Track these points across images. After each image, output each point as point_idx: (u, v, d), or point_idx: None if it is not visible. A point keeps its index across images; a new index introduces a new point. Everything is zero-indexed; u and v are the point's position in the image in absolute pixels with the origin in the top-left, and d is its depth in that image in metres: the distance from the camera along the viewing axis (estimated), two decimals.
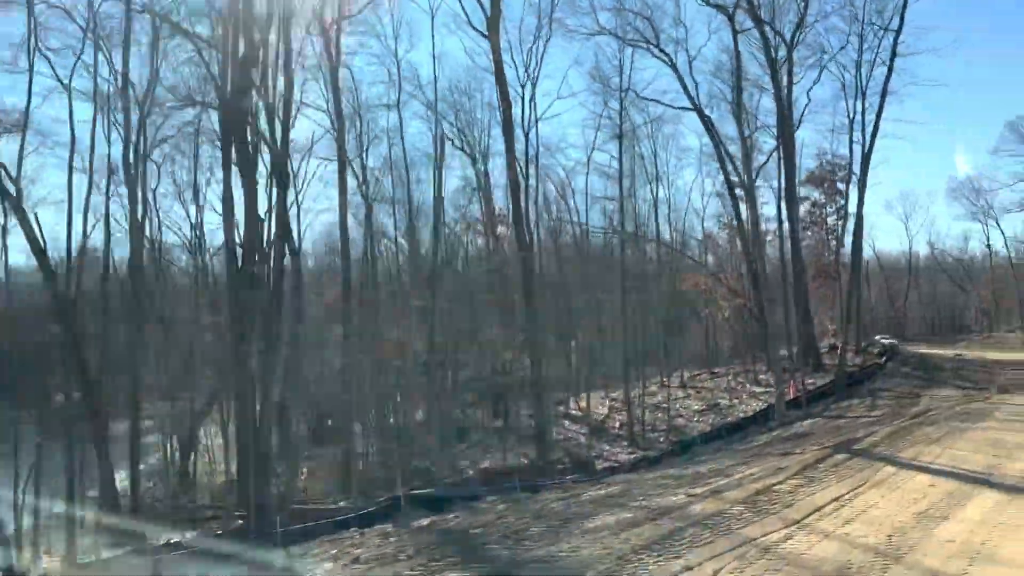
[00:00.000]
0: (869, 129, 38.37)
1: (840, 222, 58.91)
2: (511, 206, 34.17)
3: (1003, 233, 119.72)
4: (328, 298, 43.74)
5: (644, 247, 54.61)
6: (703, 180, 51.03)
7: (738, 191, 49.18)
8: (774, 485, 10.98)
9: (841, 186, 49.09)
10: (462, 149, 39.77)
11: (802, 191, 60.51)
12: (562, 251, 52.51)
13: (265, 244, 24.38)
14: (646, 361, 52.04)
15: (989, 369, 36.15)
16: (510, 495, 16.30)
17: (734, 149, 38.95)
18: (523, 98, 34.82)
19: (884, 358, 34.73)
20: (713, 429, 32.05)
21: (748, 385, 39.44)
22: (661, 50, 35.74)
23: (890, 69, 33.62)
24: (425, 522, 12.96)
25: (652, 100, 35.11)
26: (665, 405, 41.44)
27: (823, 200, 53.44)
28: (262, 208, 23.84)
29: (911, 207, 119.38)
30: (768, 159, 41.23)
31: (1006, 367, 37.77)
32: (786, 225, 39.87)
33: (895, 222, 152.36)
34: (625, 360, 41.00)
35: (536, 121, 36.22)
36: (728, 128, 37.58)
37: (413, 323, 38.84)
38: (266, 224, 24.61)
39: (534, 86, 35.71)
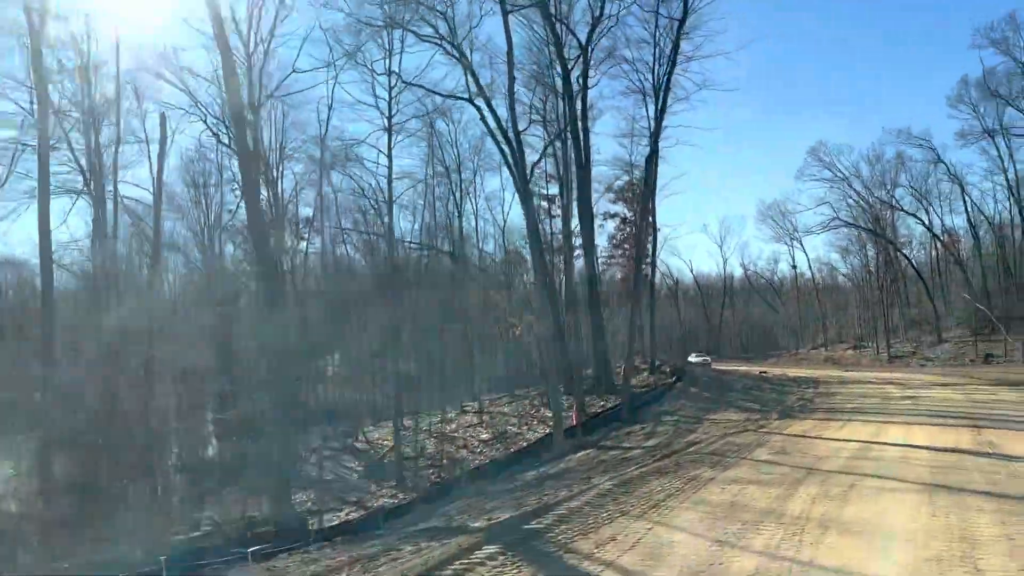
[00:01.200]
0: (663, 135, 35.75)
1: (654, 242, 57.69)
2: (247, 210, 28.04)
3: (807, 255, 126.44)
4: None
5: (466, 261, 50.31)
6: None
7: (542, 200, 46.16)
8: None
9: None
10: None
11: (613, 208, 58.85)
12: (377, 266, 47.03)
13: None
14: (451, 384, 47.55)
15: (783, 388, 33.99)
16: None
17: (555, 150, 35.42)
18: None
19: (675, 378, 31.54)
20: (490, 462, 27.37)
21: (542, 410, 35.32)
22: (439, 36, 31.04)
23: (672, 62, 30.72)
24: None
25: (416, 85, 30.05)
26: (456, 434, 36.74)
27: (633, 217, 51.23)
28: None
29: (726, 230, 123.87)
30: (562, 163, 37.76)
31: (802, 385, 35.91)
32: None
33: (712, 244, 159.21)
34: (397, 383, 35.99)
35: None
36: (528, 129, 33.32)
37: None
38: None
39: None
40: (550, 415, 33.89)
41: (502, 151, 27.82)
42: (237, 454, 33.12)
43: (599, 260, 58.28)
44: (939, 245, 68.97)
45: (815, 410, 23.21)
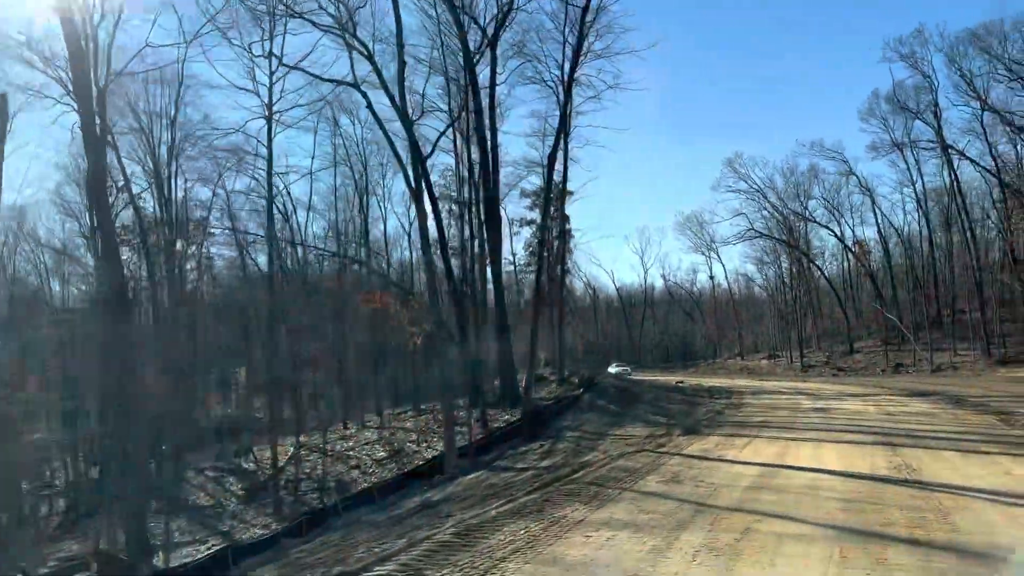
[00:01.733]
0: (573, 135, 33.85)
1: (563, 245, 55.96)
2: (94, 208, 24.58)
3: (724, 266, 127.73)
4: None
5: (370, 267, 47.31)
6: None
7: (454, 203, 43.70)
8: None
9: (569, 209, 44.88)
10: None
11: (529, 215, 56.86)
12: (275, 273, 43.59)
13: None
14: (355, 398, 44.49)
15: (695, 399, 32.35)
16: None
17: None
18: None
19: (582, 389, 29.42)
20: (378, 485, 24.60)
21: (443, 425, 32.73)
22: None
23: (577, 52, 28.78)
24: None
25: (298, 69, 27.13)
26: (352, 452, 33.85)
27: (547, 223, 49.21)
28: None
29: (646, 241, 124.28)
30: (463, 160, 35.42)
31: (715, 395, 34.32)
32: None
33: (633, 255, 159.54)
34: (295, 398, 32.93)
35: None
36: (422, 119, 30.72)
37: None
38: None
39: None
40: (464, 429, 31.43)
41: (390, 142, 25.17)
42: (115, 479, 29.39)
43: (517, 268, 56.67)
44: (850, 256, 69.68)
45: (722, 424, 21.33)
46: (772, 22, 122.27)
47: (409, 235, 50.81)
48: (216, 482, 35.69)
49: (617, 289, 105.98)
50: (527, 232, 52.76)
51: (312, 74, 26.85)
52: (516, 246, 57.68)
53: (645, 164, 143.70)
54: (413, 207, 43.71)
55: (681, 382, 46.49)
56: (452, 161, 39.48)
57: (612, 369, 70.49)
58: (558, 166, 36.17)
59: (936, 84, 52.75)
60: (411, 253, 46.33)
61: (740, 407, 27.42)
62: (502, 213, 42.82)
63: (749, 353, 77.67)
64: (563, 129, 31.05)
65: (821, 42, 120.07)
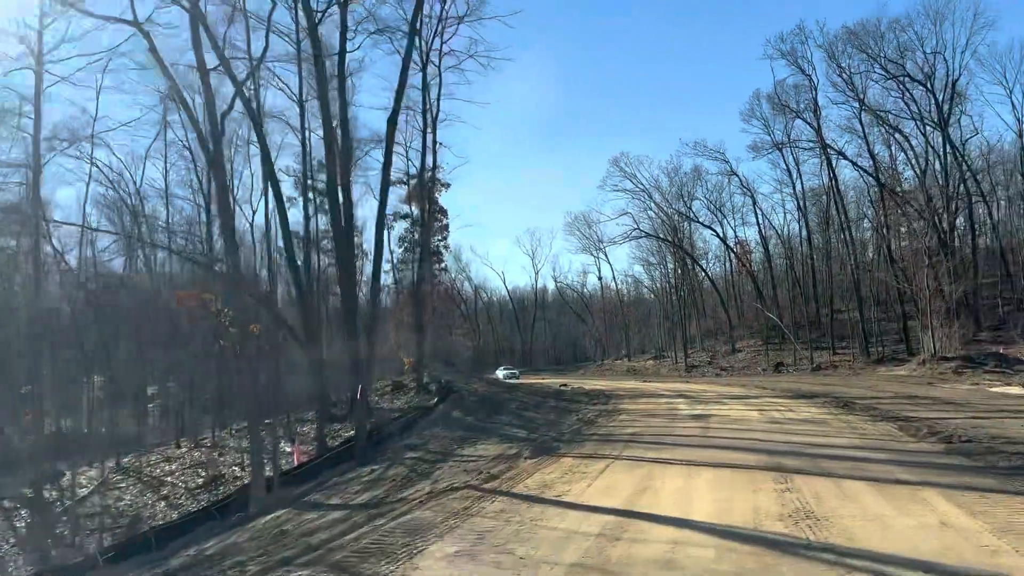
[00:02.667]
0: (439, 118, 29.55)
1: (443, 243, 51.48)
2: None
3: (611, 267, 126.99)
4: None
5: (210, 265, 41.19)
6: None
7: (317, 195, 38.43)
8: None
9: (444, 202, 40.55)
10: None
11: (404, 208, 52.06)
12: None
13: None
14: (194, 413, 38.58)
15: (571, 404, 28.67)
16: None
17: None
18: None
19: (436, 399, 25.02)
20: (159, 527, 19.30)
21: (281, 444, 27.53)
22: None
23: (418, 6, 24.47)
24: None
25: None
26: (170, 478, 28.28)
27: (423, 216, 44.70)
28: None
29: (536, 243, 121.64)
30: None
31: (593, 400, 30.76)
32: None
33: (524, 257, 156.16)
34: (112, 414, 27.07)
35: None
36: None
37: None
38: None
39: None
40: (289, 449, 26.35)
41: (185, 106, 19.95)
42: None
43: (395, 266, 51.65)
44: (732, 256, 68.70)
45: (586, 439, 17.49)
46: (662, 20, 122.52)
47: (268, 226, 45.17)
48: (5, 517, 29.21)
49: (508, 291, 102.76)
50: (405, 226, 47.82)
51: (80, 9, 20.96)
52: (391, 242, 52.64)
53: (535, 165, 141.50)
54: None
55: (564, 385, 43.22)
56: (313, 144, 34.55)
57: (500, 373, 66.64)
58: (429, 158, 32.03)
59: (816, 82, 51.84)
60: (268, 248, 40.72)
61: (614, 414, 23.84)
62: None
63: (636, 354, 75.68)
64: (426, 105, 26.62)
65: (711, 40, 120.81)
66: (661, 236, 68.00)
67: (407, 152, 37.37)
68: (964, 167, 45.88)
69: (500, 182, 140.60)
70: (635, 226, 68.48)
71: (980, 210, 48.65)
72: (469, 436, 20.13)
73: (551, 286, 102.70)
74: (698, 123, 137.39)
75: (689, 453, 13.74)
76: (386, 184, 26.85)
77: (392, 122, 25.64)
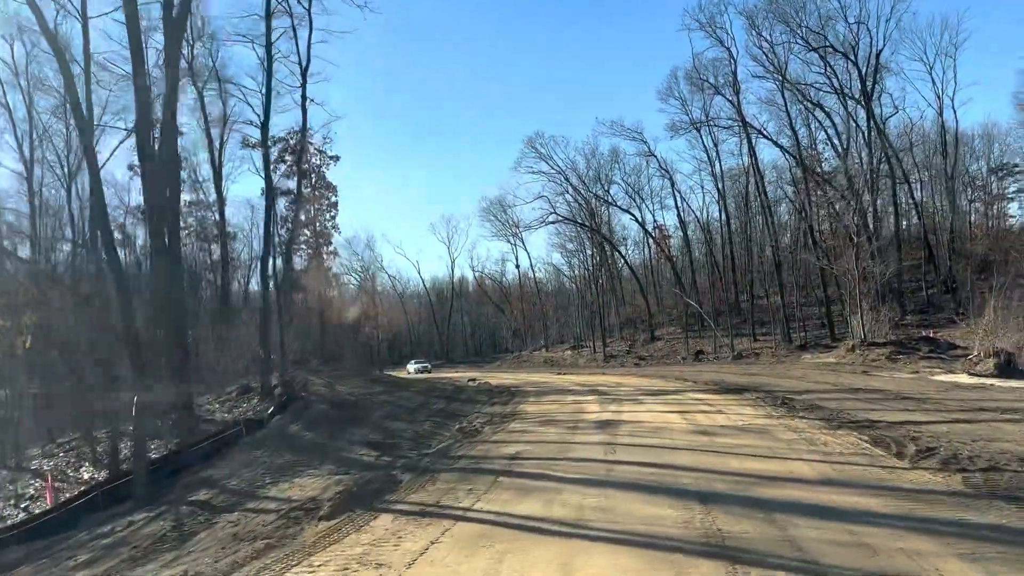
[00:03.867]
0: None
1: (331, 222, 45.07)
2: None
3: (528, 253, 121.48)
4: None
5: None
6: None
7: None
8: None
9: (332, 177, 34.51)
10: None
11: (288, 183, 45.50)
12: None
13: None
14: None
15: (464, 405, 23.38)
16: None
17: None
18: None
19: (272, 409, 19.13)
20: None
21: (83, 467, 21.07)
22: None
23: None
24: None
25: None
26: None
27: (312, 194, 38.47)
28: None
29: (452, 230, 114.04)
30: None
31: (492, 399, 25.56)
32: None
33: (441, 245, 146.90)
34: None
35: None
36: None
37: None
38: None
39: None
40: (86, 476, 20.08)
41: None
42: None
43: (274, 250, 44.79)
44: (651, 242, 64.79)
45: (447, 468, 12.10)
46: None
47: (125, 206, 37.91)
48: None
49: (424, 281, 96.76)
50: (281, 203, 41.24)
51: None
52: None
53: (450, 148, 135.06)
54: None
55: (473, 380, 38.05)
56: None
57: (410, 367, 61.11)
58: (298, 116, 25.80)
59: (735, 55, 47.81)
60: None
61: (508, 420, 18.62)
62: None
63: (555, 344, 71.07)
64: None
65: (633, 15, 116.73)
66: (579, 221, 63.36)
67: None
68: (886, 145, 42.74)
69: (413, 165, 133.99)
70: (551, 210, 63.64)
71: (902, 191, 45.76)
72: (296, 463, 14.44)
73: (470, 276, 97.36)
74: (618, 103, 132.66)
75: (578, 501, 8.56)
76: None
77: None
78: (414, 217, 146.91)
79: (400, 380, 37.06)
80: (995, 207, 50.88)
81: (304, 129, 28.06)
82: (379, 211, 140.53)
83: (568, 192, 62.96)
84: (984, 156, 49.59)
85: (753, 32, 44.77)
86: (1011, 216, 50.04)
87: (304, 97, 28.13)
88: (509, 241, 75.19)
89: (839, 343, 41.02)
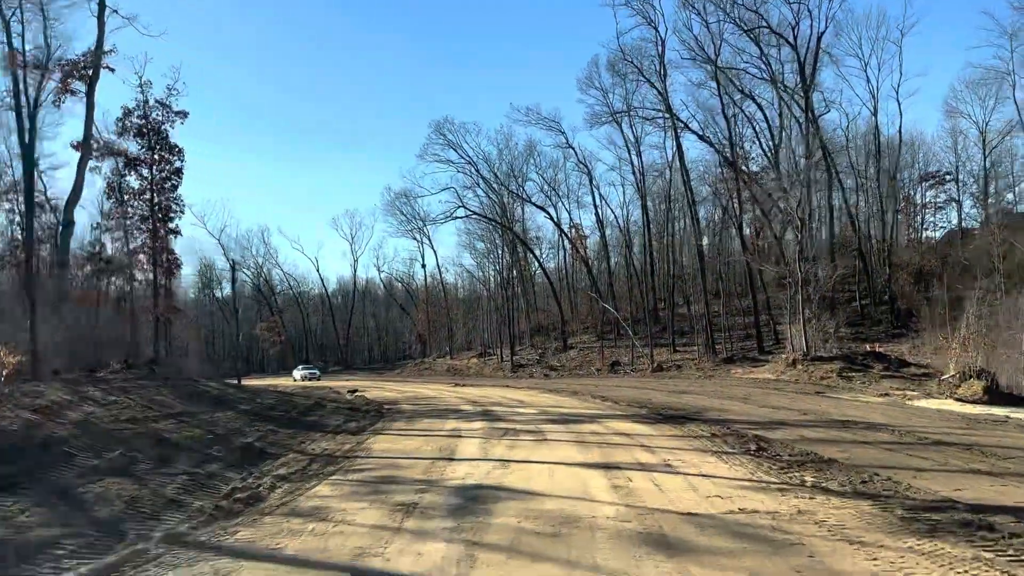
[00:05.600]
0: None
1: (172, 193, 35.65)
2: None
3: (435, 252, 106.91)
4: None
5: None
6: None
7: None
8: None
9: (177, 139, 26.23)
10: None
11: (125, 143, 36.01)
12: None
13: None
14: None
15: (283, 439, 15.50)
16: None
17: None
18: None
19: None
20: None
21: None
22: None
23: None
24: None
25: None
26: None
27: (150, 156, 29.62)
28: None
29: (356, 226, 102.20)
30: None
31: (352, 420, 17.91)
32: None
33: (344, 242, 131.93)
34: None
35: None
36: None
37: None
38: None
39: None
40: None
41: None
42: None
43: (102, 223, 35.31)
44: (566, 242, 58.33)
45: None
46: None
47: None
48: None
49: (323, 280, 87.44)
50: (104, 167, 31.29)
51: None
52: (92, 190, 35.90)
53: (355, 142, 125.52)
54: None
55: (354, 391, 30.58)
56: None
57: (296, 373, 52.54)
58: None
59: (664, 33, 42.19)
60: None
61: (329, 471, 11.09)
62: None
63: (461, 351, 63.57)
64: None
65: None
66: (489, 216, 56.16)
67: None
68: (823, 138, 37.56)
69: (315, 163, 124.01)
70: (460, 203, 56.21)
71: (837, 196, 40.73)
72: None
73: (376, 276, 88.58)
74: (536, 91, 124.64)
75: None
76: None
77: None
78: (318, 214, 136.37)
79: (256, 391, 28.67)
80: (921, 217, 46.94)
81: (99, 47, 19.50)
82: (284, 208, 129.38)
83: (479, 185, 55.86)
84: (909, 166, 45.46)
85: (683, 9, 38.90)
86: (940, 227, 46.24)
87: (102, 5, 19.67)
88: (415, 238, 67.37)
89: (769, 356, 35.35)
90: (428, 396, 27.86)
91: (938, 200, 44.92)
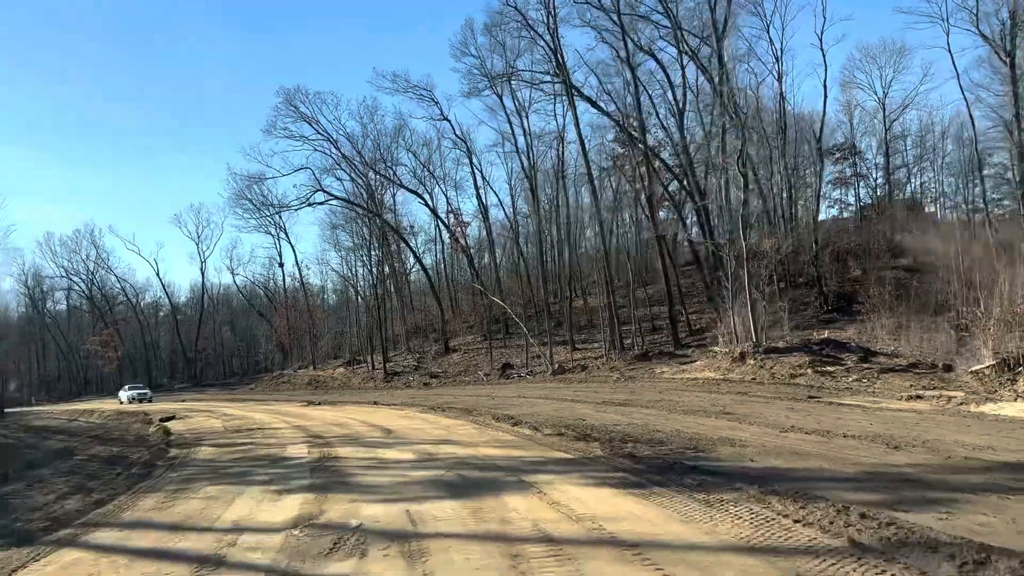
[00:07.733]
0: None
1: None
2: None
3: (293, 248, 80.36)
4: None
5: None
6: None
7: None
8: None
9: None
10: None
11: None
12: None
13: None
14: None
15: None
16: None
17: None
18: None
19: None
20: None
21: None
22: None
23: None
24: None
25: None
26: None
27: None
28: None
29: (204, 223, 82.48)
30: None
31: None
32: None
33: (190, 242, 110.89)
34: None
35: None
36: None
37: None
38: None
39: None
40: None
41: None
42: None
43: None
44: (444, 231, 49.79)
45: None
46: None
47: None
48: None
49: (164, 285, 73.59)
50: None
51: None
52: None
53: (197, 121, 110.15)
54: None
55: (170, 417, 21.18)
56: None
57: (123, 395, 40.97)
58: None
59: None
60: None
61: None
62: None
63: (326, 360, 53.30)
64: None
65: None
66: (353, 201, 46.55)
67: None
68: (733, 98, 31.52)
69: (145, 154, 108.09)
70: (318, 187, 46.20)
71: (749, 169, 34.90)
72: None
73: (230, 280, 75.72)
74: (404, 59, 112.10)
75: None
76: None
77: None
78: (158, 212, 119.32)
79: None
80: (820, 192, 42.53)
81: None
82: (125, 206, 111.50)
83: (340, 166, 46.09)
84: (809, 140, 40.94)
85: None
86: (848, 204, 42.11)
87: None
88: (270, 232, 56.13)
89: (688, 350, 28.72)
90: (260, 425, 18.30)
91: (846, 176, 40.79)
